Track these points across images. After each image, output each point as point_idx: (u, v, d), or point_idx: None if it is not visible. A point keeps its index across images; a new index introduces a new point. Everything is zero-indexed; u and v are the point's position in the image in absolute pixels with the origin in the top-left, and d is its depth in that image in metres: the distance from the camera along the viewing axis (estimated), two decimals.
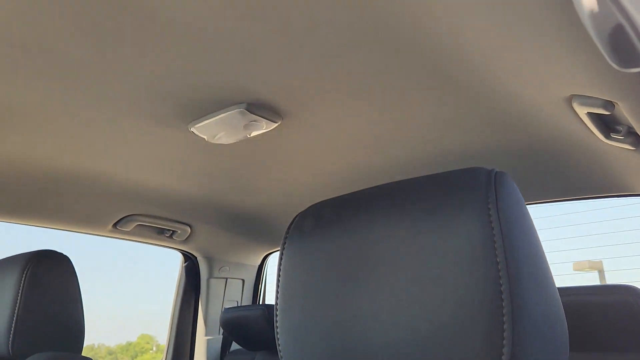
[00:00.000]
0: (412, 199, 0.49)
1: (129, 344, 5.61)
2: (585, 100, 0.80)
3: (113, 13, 0.66)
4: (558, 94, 0.82)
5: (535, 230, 0.53)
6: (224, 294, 1.76)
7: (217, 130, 1.03)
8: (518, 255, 0.47)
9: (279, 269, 0.57)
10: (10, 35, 0.70)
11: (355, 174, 1.21)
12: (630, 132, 0.87)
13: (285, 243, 0.57)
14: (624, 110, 0.78)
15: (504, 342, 0.43)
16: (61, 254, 0.96)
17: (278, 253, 0.59)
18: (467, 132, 1.00)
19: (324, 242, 0.53)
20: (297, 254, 0.56)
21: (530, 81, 0.80)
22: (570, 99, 0.82)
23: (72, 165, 1.15)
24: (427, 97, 0.88)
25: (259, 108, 0.96)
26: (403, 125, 0.99)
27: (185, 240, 1.62)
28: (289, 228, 0.60)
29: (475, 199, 0.47)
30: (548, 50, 0.69)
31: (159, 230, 1.55)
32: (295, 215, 0.58)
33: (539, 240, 0.53)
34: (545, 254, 0.54)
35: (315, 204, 0.59)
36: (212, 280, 1.73)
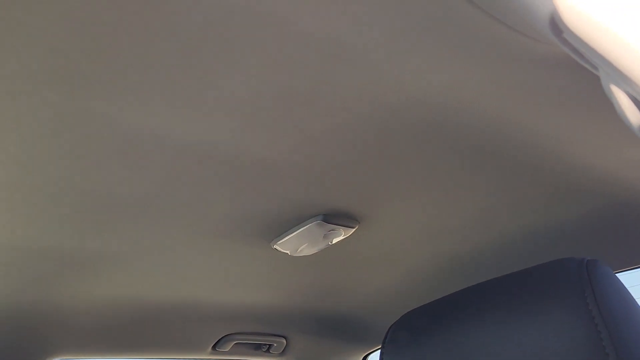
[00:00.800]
0: (506, 301, 0.48)
1: None
2: None
3: (193, 160, 0.73)
4: (634, 156, 0.79)
5: None
6: None
7: (299, 243, 1.06)
8: (629, 345, 0.45)
9: None
10: (105, 193, 0.78)
11: (440, 263, 1.19)
12: None
13: (382, 358, 0.56)
14: None
15: None
16: None
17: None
18: (546, 209, 0.97)
19: (422, 355, 0.52)
20: None
21: (602, 147, 0.79)
22: None
23: (169, 296, 1.21)
24: (502, 180, 0.88)
25: (335, 217, 0.99)
26: (482, 212, 0.98)
27: (282, 352, 1.62)
28: (384, 341, 0.60)
29: (572, 295, 0.45)
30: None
31: (255, 346, 1.56)
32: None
33: None
34: None
35: (407, 313, 0.59)
36: None
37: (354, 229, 1.02)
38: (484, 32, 0.49)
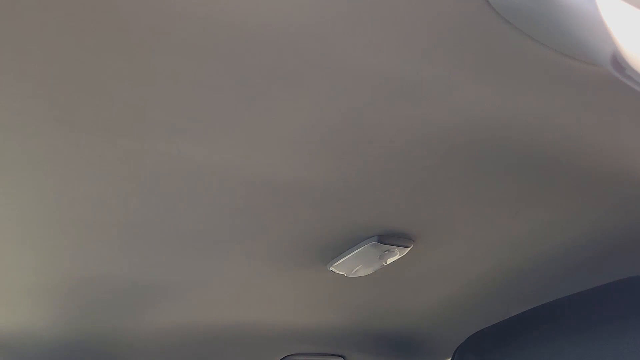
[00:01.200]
0: (579, 322, 0.47)
1: None
2: None
3: (253, 191, 0.75)
4: None
5: None
6: None
7: (354, 265, 1.07)
8: None
9: None
10: (170, 226, 0.82)
11: (500, 281, 1.17)
12: None
13: None
14: None
15: None
16: None
17: None
18: (608, 222, 0.95)
19: None
20: None
21: None
22: None
23: (231, 320, 1.24)
24: (560, 194, 0.86)
25: (390, 238, 0.99)
26: (541, 226, 0.96)
27: None
28: None
29: None
30: None
31: None
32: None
33: None
34: None
35: (474, 334, 0.59)
36: None
37: (409, 248, 1.02)
38: (543, 62, 0.50)
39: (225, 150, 0.65)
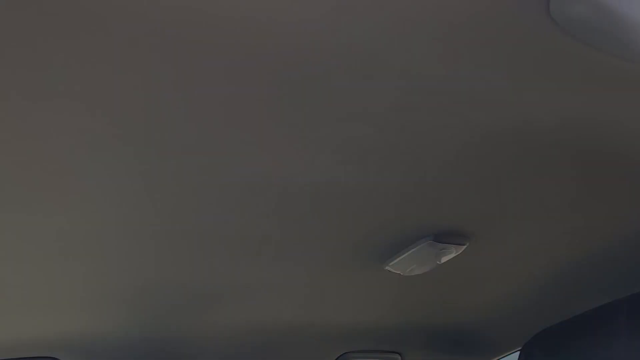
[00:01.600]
0: None
1: None
2: None
3: (314, 199, 0.79)
4: None
5: None
6: None
7: (410, 264, 1.09)
8: None
9: None
10: (233, 234, 0.86)
11: (558, 274, 1.16)
12: None
13: None
14: None
15: None
16: None
17: None
18: None
19: None
20: None
21: None
22: None
23: (290, 320, 1.28)
24: (622, 187, 0.86)
25: (446, 237, 1.01)
26: (600, 218, 0.96)
27: None
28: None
29: None
30: None
31: None
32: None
33: None
34: None
35: (540, 333, 0.59)
36: None
37: (465, 246, 1.03)
38: (603, 67, 0.51)
39: (288, 160, 0.68)
